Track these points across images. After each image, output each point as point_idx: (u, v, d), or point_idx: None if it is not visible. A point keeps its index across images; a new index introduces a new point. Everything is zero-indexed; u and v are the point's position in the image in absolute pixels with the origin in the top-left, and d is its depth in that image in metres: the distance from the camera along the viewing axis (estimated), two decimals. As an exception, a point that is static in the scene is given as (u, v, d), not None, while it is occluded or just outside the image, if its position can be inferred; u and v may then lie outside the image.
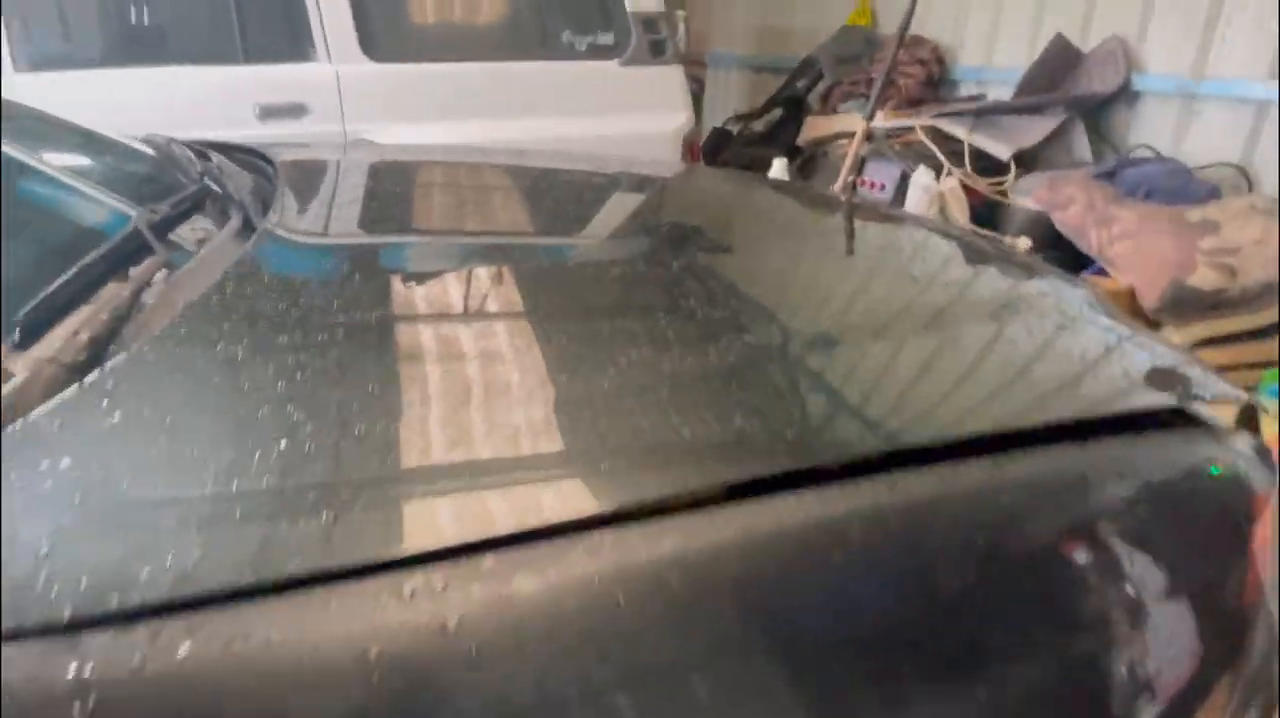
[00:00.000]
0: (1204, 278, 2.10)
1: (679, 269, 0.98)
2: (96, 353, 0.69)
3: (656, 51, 2.88)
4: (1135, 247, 2.20)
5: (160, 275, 0.85)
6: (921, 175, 2.53)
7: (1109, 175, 2.47)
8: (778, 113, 4.01)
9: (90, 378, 0.61)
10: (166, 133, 1.64)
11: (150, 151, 1.36)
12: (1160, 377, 0.75)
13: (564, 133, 2.71)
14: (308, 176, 1.40)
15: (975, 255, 1.14)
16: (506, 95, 2.75)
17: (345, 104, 2.58)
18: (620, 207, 1.40)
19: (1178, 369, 0.77)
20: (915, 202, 2.49)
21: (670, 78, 2.91)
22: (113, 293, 0.79)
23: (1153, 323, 2.19)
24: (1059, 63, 2.84)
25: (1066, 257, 2.40)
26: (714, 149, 4.05)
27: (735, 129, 4.12)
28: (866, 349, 0.79)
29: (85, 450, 0.55)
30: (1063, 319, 0.87)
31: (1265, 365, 2.13)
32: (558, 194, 1.49)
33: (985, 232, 2.55)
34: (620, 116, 2.85)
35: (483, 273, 0.94)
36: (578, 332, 0.79)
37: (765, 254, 1.12)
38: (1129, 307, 2.21)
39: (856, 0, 3.92)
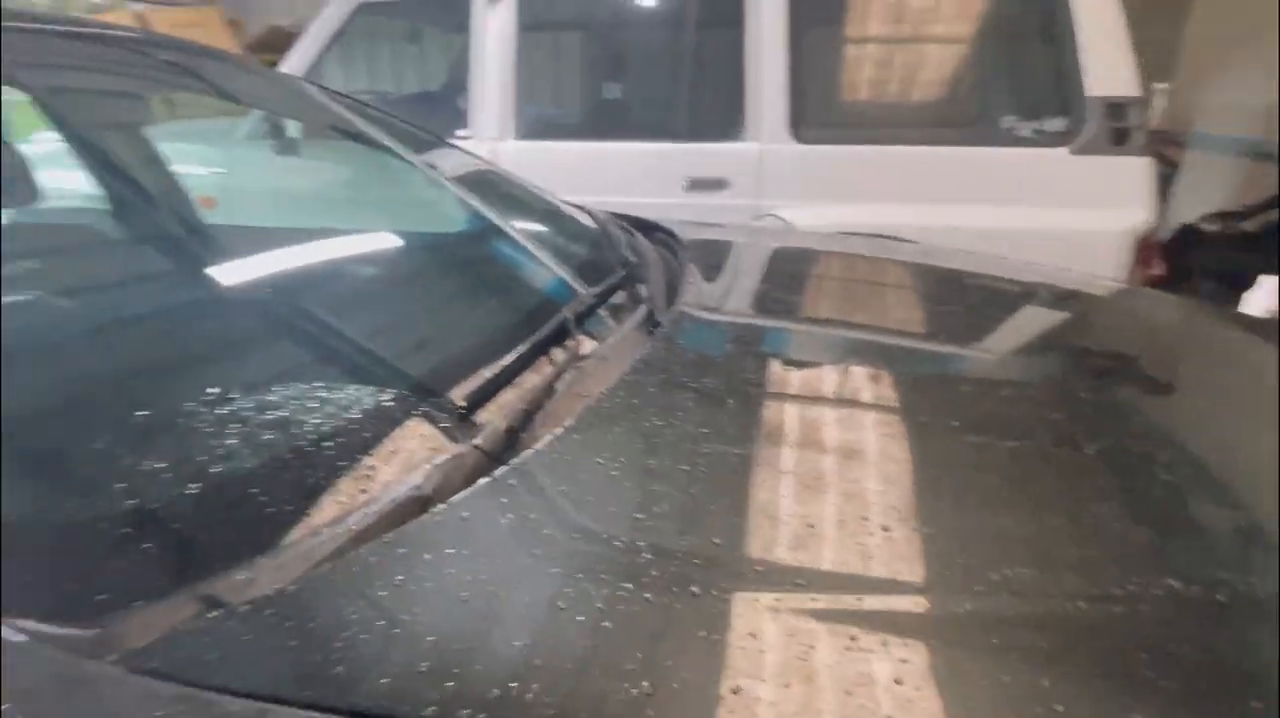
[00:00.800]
0: None
1: (1079, 402, 0.86)
2: (511, 442, 0.73)
3: (1118, 140, 2.45)
4: None
5: (579, 359, 0.90)
6: None
7: None
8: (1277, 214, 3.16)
9: (501, 471, 0.65)
10: (609, 196, 1.83)
11: (589, 222, 1.51)
12: None
13: (995, 223, 2.49)
14: (714, 258, 1.46)
15: None
16: (934, 181, 2.58)
17: (764, 181, 2.66)
18: (1029, 322, 1.25)
19: None
20: None
21: (1132, 169, 2.47)
22: (534, 381, 0.83)
23: None
24: None
25: None
26: (1180, 251, 3.34)
27: (1213, 228, 3.34)
28: None
29: (483, 543, 0.58)
30: None
31: None
32: (962, 298, 1.38)
33: None
34: (1063, 210, 2.51)
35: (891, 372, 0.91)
36: (949, 450, 0.74)
37: (1196, 414, 0.91)
38: None
39: None
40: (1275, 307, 2.42)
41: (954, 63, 2.70)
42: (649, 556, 0.56)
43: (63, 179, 1.21)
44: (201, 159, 2.10)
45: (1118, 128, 2.45)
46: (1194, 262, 3.18)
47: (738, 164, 2.66)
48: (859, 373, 0.90)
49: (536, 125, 2.93)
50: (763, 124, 2.62)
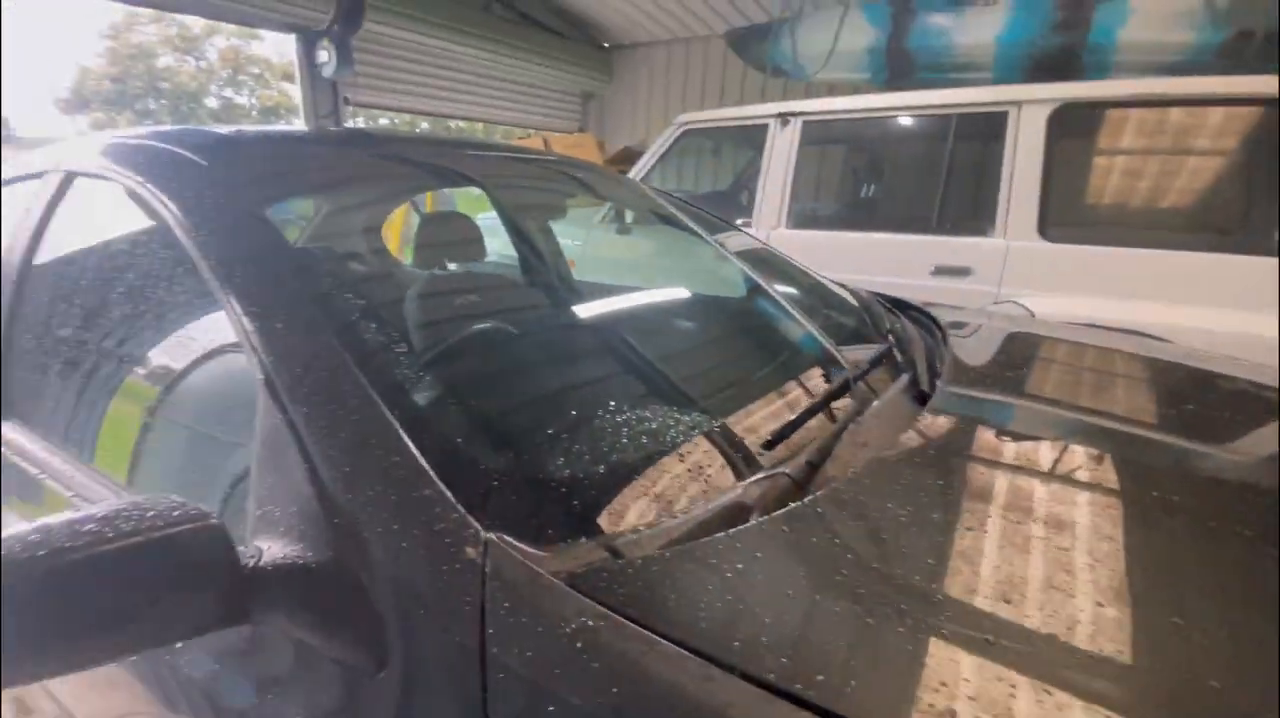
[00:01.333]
0: None
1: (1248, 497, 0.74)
2: (810, 474, 0.75)
3: None
4: None
5: (856, 416, 0.88)
6: None
7: None
8: None
9: (809, 498, 0.67)
10: (863, 279, 1.85)
11: (852, 299, 1.52)
12: None
13: (1227, 325, 2.11)
14: (968, 340, 1.37)
15: None
16: (1173, 279, 2.27)
17: (1006, 272, 2.53)
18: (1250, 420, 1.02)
19: None
20: None
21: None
22: (821, 427, 0.84)
23: None
24: None
25: None
26: None
27: None
28: None
29: (797, 554, 0.60)
30: None
31: None
32: (1187, 394, 1.15)
33: None
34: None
35: (1099, 455, 0.81)
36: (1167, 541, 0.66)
37: None
38: None
39: None
40: None
41: (1197, 175, 2.37)
42: (909, 595, 0.55)
43: (496, 245, 1.51)
44: (571, 234, 2.52)
45: None
46: None
47: (983, 257, 2.57)
48: (1111, 460, 0.82)
49: (800, 218, 3.06)
50: (1013, 224, 2.52)
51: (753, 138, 3.15)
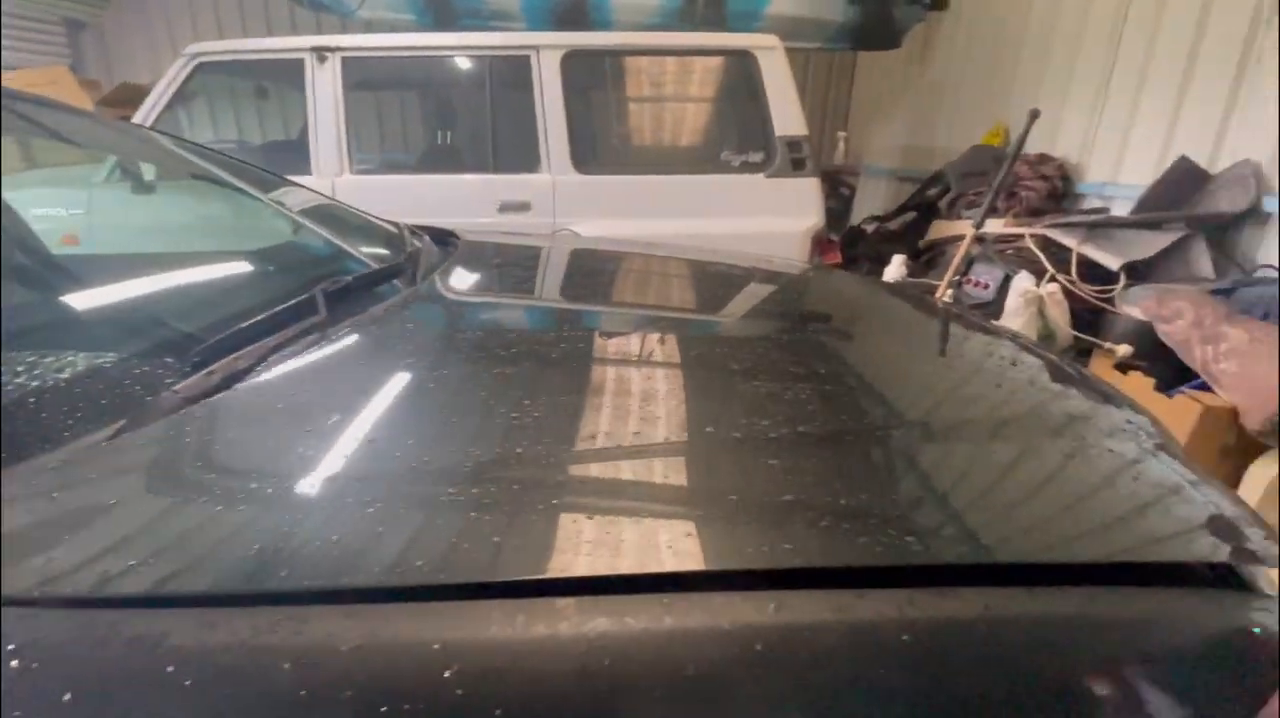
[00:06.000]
0: (1322, 406, 1.62)
1: (776, 349, 0.94)
2: (218, 390, 0.70)
3: (797, 167, 2.80)
4: (1242, 366, 1.75)
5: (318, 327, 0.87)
6: (1022, 279, 2.21)
7: (1225, 293, 2.00)
8: (911, 215, 3.72)
9: (187, 411, 0.64)
10: (441, 220, 1.79)
11: (391, 228, 1.49)
12: (1217, 528, 0.58)
13: (718, 230, 2.72)
14: (476, 254, 1.46)
15: (1041, 371, 0.95)
16: (678, 200, 2.80)
17: (558, 203, 2.77)
18: (753, 292, 1.35)
19: (1237, 524, 0.59)
20: (1013, 302, 2.17)
21: (806, 188, 2.81)
22: (261, 345, 0.80)
23: (1255, 444, 1.73)
24: (1182, 183, 2.36)
25: (1169, 368, 1.97)
26: (850, 243, 3.84)
27: (870, 228, 3.87)
28: (926, 449, 0.69)
29: (170, 462, 0.58)
30: (1126, 450, 0.71)
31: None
32: (705, 278, 1.47)
33: (1085, 336, 2.17)
34: (764, 218, 2.80)
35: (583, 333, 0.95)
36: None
37: (854, 344, 1.04)
38: (1231, 423, 1.76)
39: (993, 123, 3.55)
40: (900, 276, 2.86)
41: (687, 116, 2.96)
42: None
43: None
44: (62, 202, 1.89)
45: (796, 158, 2.79)
46: (860, 251, 3.67)
47: (537, 191, 2.75)
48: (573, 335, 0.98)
49: (366, 164, 2.86)
50: (553, 160, 2.74)
51: (289, 75, 2.74)
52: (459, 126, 3.28)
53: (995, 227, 2.77)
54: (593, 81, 2.88)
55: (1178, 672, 0.48)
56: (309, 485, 0.55)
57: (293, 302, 0.88)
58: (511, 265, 1.44)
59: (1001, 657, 0.46)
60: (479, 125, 2.85)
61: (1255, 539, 0.56)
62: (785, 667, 0.42)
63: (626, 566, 0.47)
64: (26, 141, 1.87)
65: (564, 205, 2.77)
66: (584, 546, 0.49)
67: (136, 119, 2.69)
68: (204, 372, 0.71)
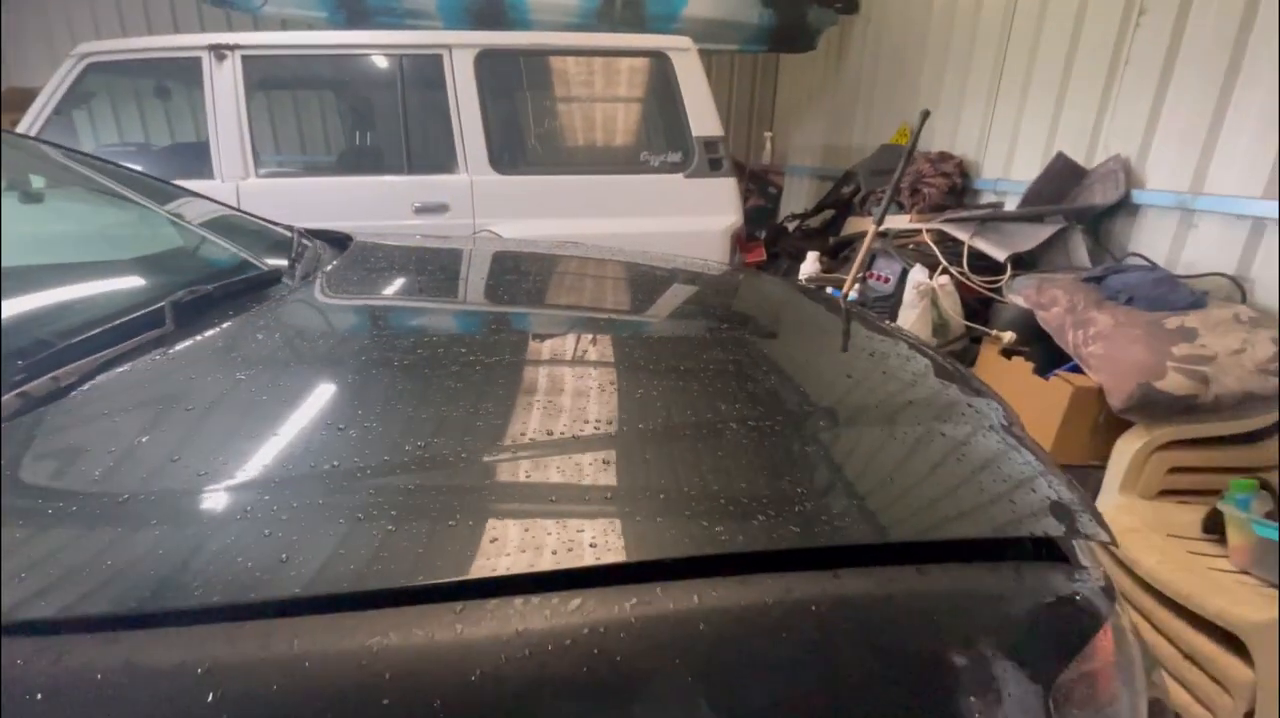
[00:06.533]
0: (1174, 383, 1.75)
1: (691, 345, 0.97)
2: (62, 393, 0.70)
3: (714, 167, 2.85)
4: (1107, 348, 1.88)
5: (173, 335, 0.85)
6: (917, 272, 2.32)
7: (1097, 280, 2.14)
8: (830, 213, 3.84)
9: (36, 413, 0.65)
10: (351, 224, 1.75)
11: (283, 233, 1.46)
12: (1053, 508, 0.64)
13: (639, 229, 2.75)
14: (368, 257, 1.44)
15: (912, 361, 1.00)
16: (597, 200, 2.82)
17: (476, 204, 2.75)
18: (673, 292, 1.36)
19: (1069, 506, 0.65)
20: (909, 294, 2.27)
21: (724, 188, 2.88)
22: (111, 354, 0.79)
23: (1122, 421, 1.86)
24: (1062, 178, 2.52)
25: (1048, 352, 2.10)
26: (773, 240, 3.93)
27: (792, 226, 3.97)
28: (791, 438, 0.72)
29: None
30: (975, 436, 0.75)
31: (1241, 471, 1.74)
32: (622, 279, 1.48)
33: (975, 325, 2.29)
34: (683, 217, 2.85)
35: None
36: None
37: (763, 340, 1.07)
38: (1099, 402, 1.89)
39: (900, 124, 3.70)
40: (814, 272, 2.95)
41: (606, 117, 2.97)
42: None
43: None
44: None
45: (714, 158, 2.85)
46: (782, 247, 3.77)
47: (455, 192, 2.72)
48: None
49: (274, 167, 2.77)
50: (470, 161, 2.72)
51: (187, 75, 2.63)
52: (372, 127, 3.21)
53: (899, 223, 2.89)
54: (509, 81, 2.86)
55: (1016, 637, 0.53)
56: (102, 505, 0.54)
57: (146, 310, 0.85)
58: (400, 268, 1.42)
59: (851, 633, 0.49)
60: (392, 126, 2.80)
61: (1085, 520, 0.63)
62: (670, 651, 0.45)
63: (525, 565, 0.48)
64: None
65: (483, 206, 2.74)
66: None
67: (23, 125, 2.54)
68: (15, 391, 0.69)
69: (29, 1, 5.29)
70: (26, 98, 3.34)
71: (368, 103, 3.27)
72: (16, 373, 0.71)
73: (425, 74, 2.73)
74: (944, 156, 3.14)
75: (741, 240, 2.96)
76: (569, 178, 2.83)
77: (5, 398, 0.68)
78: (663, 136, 2.92)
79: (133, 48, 2.60)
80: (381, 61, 2.76)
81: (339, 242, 1.58)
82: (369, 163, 3.07)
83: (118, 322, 0.83)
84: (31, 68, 5.32)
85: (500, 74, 2.79)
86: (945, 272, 2.31)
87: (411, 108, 2.77)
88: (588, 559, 0.49)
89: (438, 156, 2.76)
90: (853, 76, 4.28)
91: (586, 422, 0.70)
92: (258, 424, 0.66)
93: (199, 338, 0.87)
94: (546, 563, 0.49)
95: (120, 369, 0.77)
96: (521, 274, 1.43)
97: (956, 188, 3.06)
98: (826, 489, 0.62)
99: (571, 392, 0.76)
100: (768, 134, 5.15)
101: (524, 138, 3.00)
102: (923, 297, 2.18)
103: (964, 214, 2.58)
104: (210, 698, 0.39)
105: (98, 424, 0.66)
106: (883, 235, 2.63)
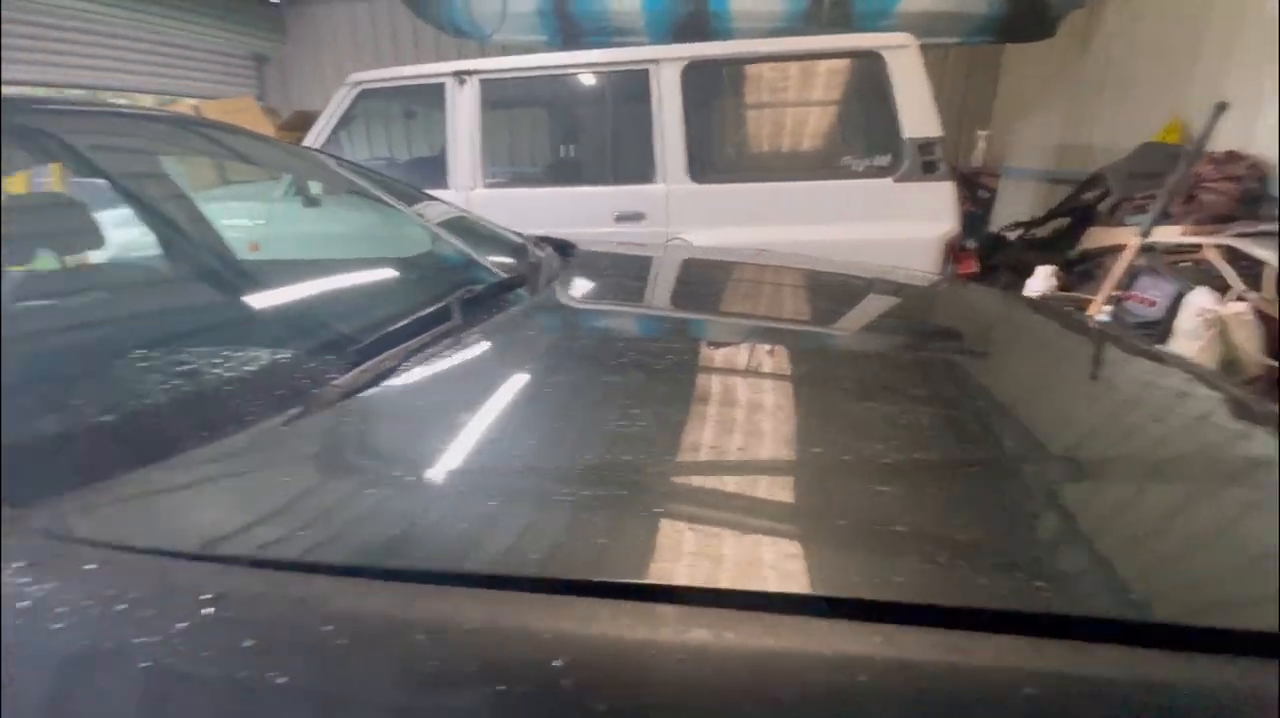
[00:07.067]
0: None
1: (891, 366, 0.91)
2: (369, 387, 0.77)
3: (929, 170, 2.60)
4: None
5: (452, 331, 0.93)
6: (1198, 296, 1.90)
7: None
8: (1064, 221, 3.33)
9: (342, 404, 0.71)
10: (561, 230, 1.87)
11: (517, 239, 1.58)
12: None
13: (840, 236, 2.60)
14: (593, 264, 1.51)
15: (1215, 404, 0.83)
16: (798, 207, 2.71)
17: (671, 213, 2.78)
18: (873, 306, 1.28)
19: None
20: (1187, 323, 1.87)
21: (939, 192, 2.61)
22: (406, 347, 0.86)
23: None
24: None
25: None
26: (989, 252, 3.50)
27: (1013, 235, 3.51)
28: (1065, 488, 0.62)
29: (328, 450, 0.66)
30: None
31: None
32: (822, 290, 1.43)
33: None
34: (892, 224, 2.64)
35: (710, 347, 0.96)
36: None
37: (983, 365, 0.96)
38: None
39: (1168, 118, 3.10)
40: (1049, 289, 2.58)
41: (807, 121, 2.85)
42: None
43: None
44: (248, 214, 2.18)
45: (928, 160, 2.60)
46: (1000, 259, 3.34)
47: (651, 201, 2.78)
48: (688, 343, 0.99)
49: (495, 178, 3.03)
50: (669, 171, 2.75)
51: (434, 98, 2.97)
52: (581, 140, 3.39)
53: (1169, 235, 2.41)
54: (712, 91, 2.86)
55: None
56: (439, 475, 0.61)
57: (433, 308, 0.95)
58: (629, 274, 1.48)
59: None
60: (599, 138, 2.93)
61: None
62: (887, 703, 0.38)
63: (727, 580, 0.46)
64: (221, 163, 2.15)
65: (677, 214, 2.77)
66: (685, 556, 0.48)
67: (307, 141, 3.04)
68: (358, 369, 0.79)
69: (304, 36, 6.42)
70: (306, 120, 4.04)
71: (578, 117, 3.46)
72: (352, 353, 0.82)
73: (631, 88, 2.82)
74: (1232, 157, 2.57)
75: (956, 250, 2.67)
76: (765, 185, 2.75)
77: (348, 377, 0.77)
78: (869, 138, 2.73)
79: (395, 75, 2.99)
80: (592, 78, 2.90)
81: (562, 248, 1.67)
82: (577, 173, 3.24)
83: (421, 314, 0.93)
84: (308, 92, 6.44)
85: (703, 84, 2.79)
86: (1241, 298, 1.87)
87: (619, 121, 2.87)
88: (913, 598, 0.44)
89: (638, 166, 2.83)
90: (1099, 66, 3.69)
91: (870, 440, 0.65)
92: (558, 417, 0.72)
93: (481, 332, 0.95)
94: (860, 591, 0.44)
95: (429, 354, 0.86)
96: (749, 284, 1.40)
97: (1250, 195, 2.48)
98: (1131, 554, 0.51)
99: (832, 411, 0.73)
100: (982, 133, 4.64)
101: (722, 146, 2.98)
102: (1209, 326, 1.78)
103: (1268, 226, 2.08)
104: (554, 663, 0.39)
105: (426, 402, 0.75)
106: (1148, 250, 2.21)
